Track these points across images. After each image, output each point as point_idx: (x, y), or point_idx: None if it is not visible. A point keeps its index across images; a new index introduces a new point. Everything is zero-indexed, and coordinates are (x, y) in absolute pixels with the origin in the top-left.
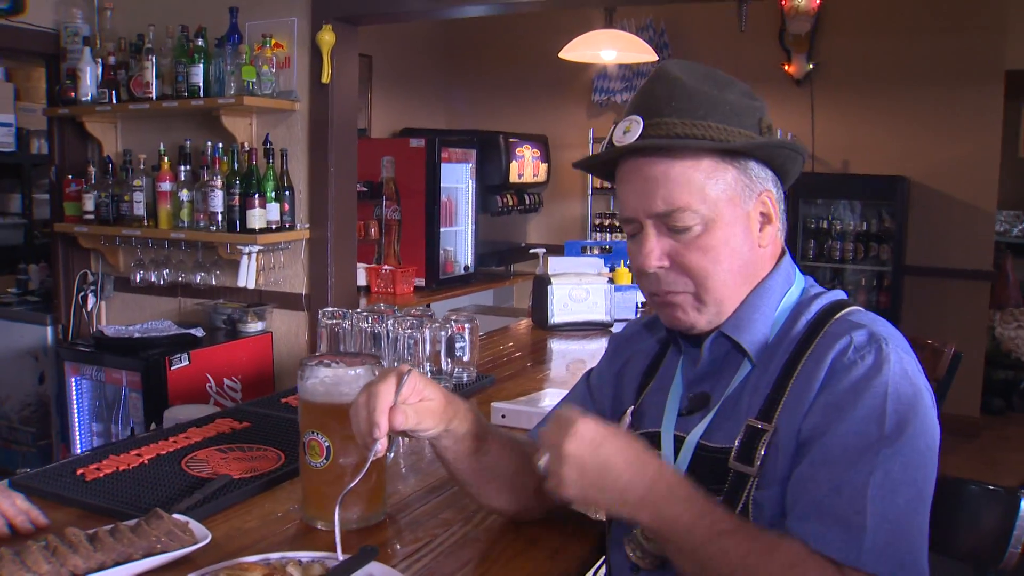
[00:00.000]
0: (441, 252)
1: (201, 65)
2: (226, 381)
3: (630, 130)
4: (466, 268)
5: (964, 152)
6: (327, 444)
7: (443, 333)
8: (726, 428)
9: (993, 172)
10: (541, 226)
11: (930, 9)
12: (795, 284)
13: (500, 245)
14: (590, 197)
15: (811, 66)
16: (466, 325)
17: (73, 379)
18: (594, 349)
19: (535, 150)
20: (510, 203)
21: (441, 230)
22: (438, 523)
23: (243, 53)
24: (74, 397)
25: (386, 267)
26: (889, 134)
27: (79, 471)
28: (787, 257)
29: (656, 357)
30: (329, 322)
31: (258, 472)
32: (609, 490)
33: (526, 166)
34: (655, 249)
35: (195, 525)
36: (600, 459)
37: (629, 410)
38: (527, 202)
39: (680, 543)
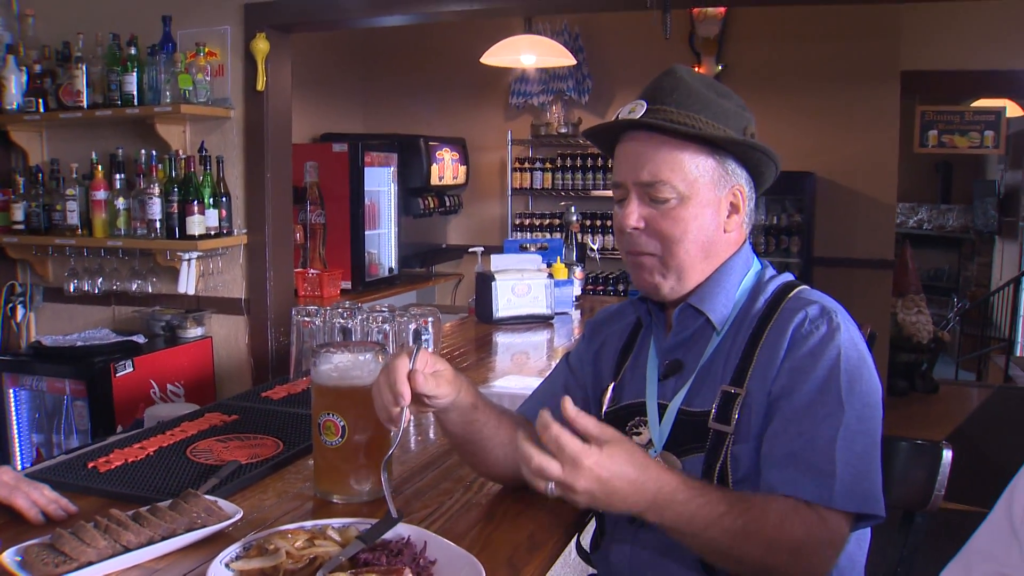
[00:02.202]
0: (365, 255)
1: (135, 73)
2: (169, 386)
3: (635, 111)
4: (390, 270)
5: (866, 148)
6: (342, 424)
7: (410, 326)
8: (703, 394)
9: (892, 167)
10: (461, 227)
11: (830, 15)
12: (752, 268)
13: (421, 247)
14: (509, 198)
15: (720, 68)
16: (429, 319)
17: (11, 390)
18: (537, 341)
19: (454, 152)
20: (431, 205)
21: (365, 233)
22: (440, 492)
23: (178, 62)
24: (12, 409)
25: (312, 271)
26: (795, 132)
27: (90, 464)
28: (747, 245)
29: (629, 338)
30: (302, 319)
31: (262, 457)
32: (617, 505)
33: (446, 168)
34: (635, 212)
35: (224, 503)
36: (608, 488)
37: (610, 386)
38: (447, 204)
39: (685, 533)
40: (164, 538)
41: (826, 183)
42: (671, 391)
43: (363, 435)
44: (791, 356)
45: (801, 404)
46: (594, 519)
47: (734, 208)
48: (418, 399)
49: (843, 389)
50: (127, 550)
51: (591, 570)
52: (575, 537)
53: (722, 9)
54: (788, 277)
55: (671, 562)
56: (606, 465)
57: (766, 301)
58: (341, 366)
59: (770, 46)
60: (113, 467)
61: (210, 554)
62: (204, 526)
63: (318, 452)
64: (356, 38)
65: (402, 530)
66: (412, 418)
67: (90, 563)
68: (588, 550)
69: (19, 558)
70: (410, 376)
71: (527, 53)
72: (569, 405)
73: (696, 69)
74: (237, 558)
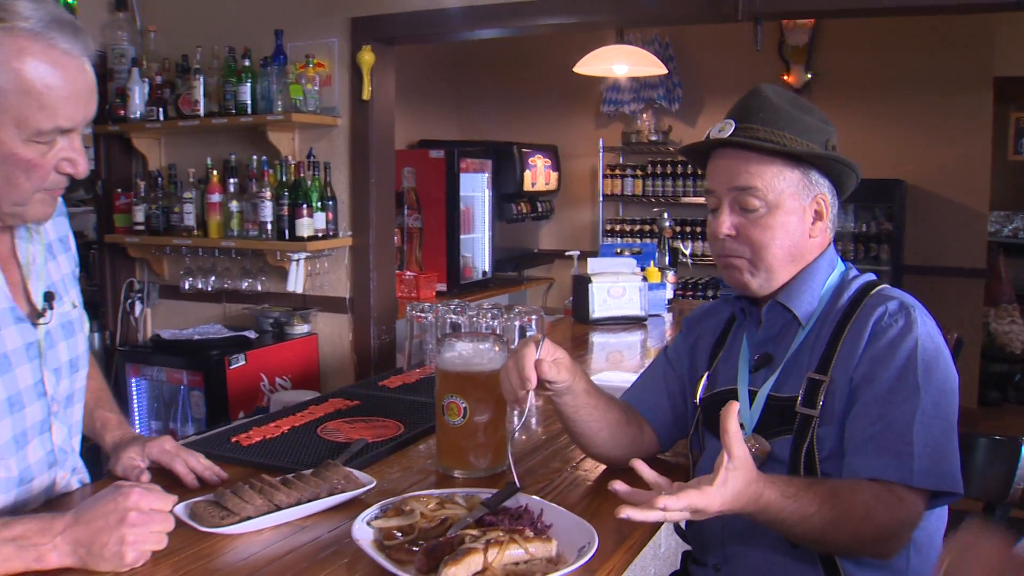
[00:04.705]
0: (460, 258)
1: (249, 84)
2: (277, 379)
3: (724, 129)
4: (484, 273)
5: (957, 156)
6: (464, 405)
7: (516, 323)
8: (790, 382)
9: (985, 174)
10: (553, 232)
11: (922, 22)
12: (837, 269)
13: (514, 251)
14: (600, 204)
15: (809, 76)
16: (533, 317)
17: (132, 380)
18: (631, 341)
19: (546, 159)
20: (524, 210)
21: (460, 237)
22: (550, 470)
23: (289, 72)
24: (134, 397)
25: (409, 273)
26: (886, 140)
27: (233, 439)
28: (832, 247)
29: (722, 333)
30: (416, 314)
31: (386, 437)
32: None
33: (538, 175)
34: (727, 220)
35: (359, 473)
36: (724, 510)
37: (704, 375)
38: (540, 209)
39: (780, 529)
40: (310, 500)
41: (917, 191)
42: (761, 379)
43: (483, 416)
44: (872, 346)
45: (881, 390)
46: None
47: (818, 215)
48: (540, 383)
49: (920, 377)
50: (279, 508)
51: (686, 546)
52: None
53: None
54: (870, 277)
55: (760, 535)
56: (727, 501)
57: (849, 298)
58: (464, 353)
59: (860, 54)
60: (253, 442)
61: (349, 516)
62: (344, 491)
63: (441, 431)
64: (453, 48)
65: (521, 499)
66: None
67: (249, 518)
68: (684, 527)
69: (189, 512)
70: (536, 363)
71: (619, 63)
72: (733, 420)
73: (785, 78)
74: (377, 517)
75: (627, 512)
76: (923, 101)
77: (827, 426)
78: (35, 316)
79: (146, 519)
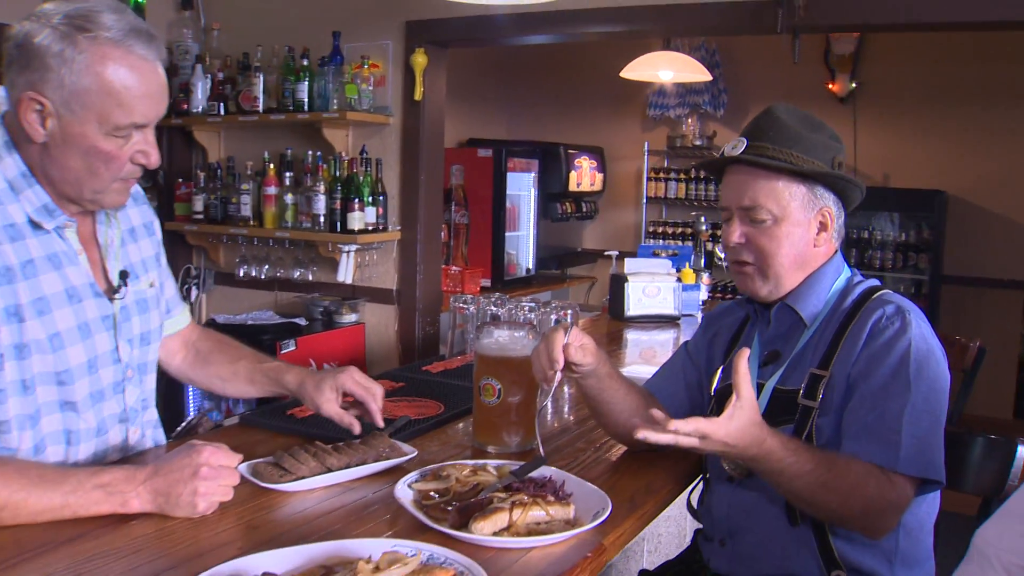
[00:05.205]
0: (505, 255)
1: (306, 82)
2: (325, 365)
3: (736, 147)
4: (528, 270)
5: (1000, 167)
6: (499, 386)
7: (552, 317)
8: (794, 376)
9: None
10: (596, 232)
11: (967, 33)
12: (842, 274)
13: (558, 249)
14: (644, 206)
15: (854, 85)
16: (568, 311)
17: None
18: (664, 339)
19: (592, 161)
20: (569, 210)
21: (505, 234)
22: (575, 450)
23: (345, 72)
24: None
25: (455, 268)
26: (927, 150)
27: (288, 412)
28: (838, 255)
29: (737, 330)
30: (458, 305)
31: (427, 415)
32: (731, 455)
33: (584, 176)
34: (737, 230)
35: (402, 444)
36: (728, 447)
37: (720, 368)
38: (584, 209)
39: (777, 482)
40: (358, 465)
41: (957, 201)
42: (769, 373)
43: (515, 397)
44: (869, 346)
45: (875, 386)
46: (701, 480)
47: (823, 226)
48: (568, 366)
49: (912, 375)
50: (330, 471)
51: (698, 524)
52: (687, 497)
53: None
54: (874, 282)
55: (762, 514)
56: (732, 434)
57: (852, 301)
58: (501, 340)
59: (906, 65)
60: (306, 415)
61: (393, 480)
62: (389, 459)
63: (477, 409)
64: (503, 50)
65: (546, 471)
66: (563, 382)
67: (303, 477)
68: (695, 507)
69: (251, 470)
70: (564, 347)
71: (665, 69)
72: (743, 362)
73: (830, 86)
74: (416, 481)
75: (643, 433)
76: (967, 112)
77: (825, 416)
78: (111, 292)
79: (216, 474)
